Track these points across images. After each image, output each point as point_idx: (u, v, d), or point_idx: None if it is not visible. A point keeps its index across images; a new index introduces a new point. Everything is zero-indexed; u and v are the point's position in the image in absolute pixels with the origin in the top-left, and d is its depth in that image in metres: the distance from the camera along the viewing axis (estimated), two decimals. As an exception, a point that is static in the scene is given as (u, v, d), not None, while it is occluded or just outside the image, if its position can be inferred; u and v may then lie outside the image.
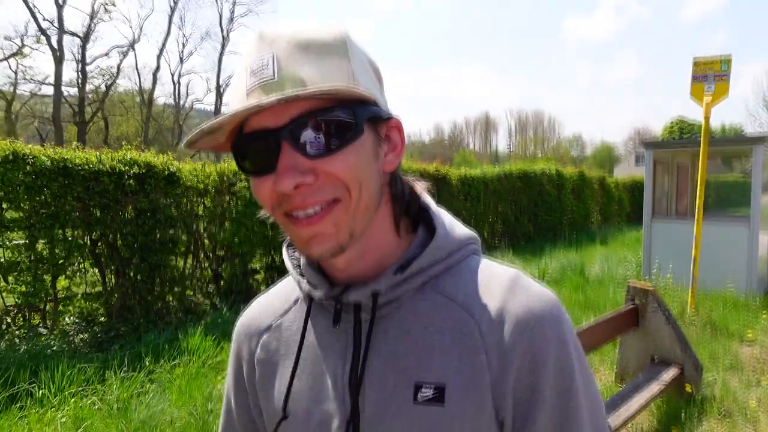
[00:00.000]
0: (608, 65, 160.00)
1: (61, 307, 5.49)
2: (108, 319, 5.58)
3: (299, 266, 0.74)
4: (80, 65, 33.42)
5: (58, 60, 30.63)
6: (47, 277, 5.12)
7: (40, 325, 5.26)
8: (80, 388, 3.87)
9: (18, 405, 3.61)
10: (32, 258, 4.97)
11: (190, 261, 6.76)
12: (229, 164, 7.02)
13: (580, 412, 0.63)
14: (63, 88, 31.69)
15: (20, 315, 5.24)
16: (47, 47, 30.86)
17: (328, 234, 0.60)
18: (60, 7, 30.55)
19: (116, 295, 5.67)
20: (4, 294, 5.02)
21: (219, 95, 40.62)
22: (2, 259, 4.86)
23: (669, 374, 3.84)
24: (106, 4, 32.71)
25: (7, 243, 4.93)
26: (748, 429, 3.69)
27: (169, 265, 6.08)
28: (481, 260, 0.71)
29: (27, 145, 5.12)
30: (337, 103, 0.58)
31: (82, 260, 5.57)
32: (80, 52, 33.39)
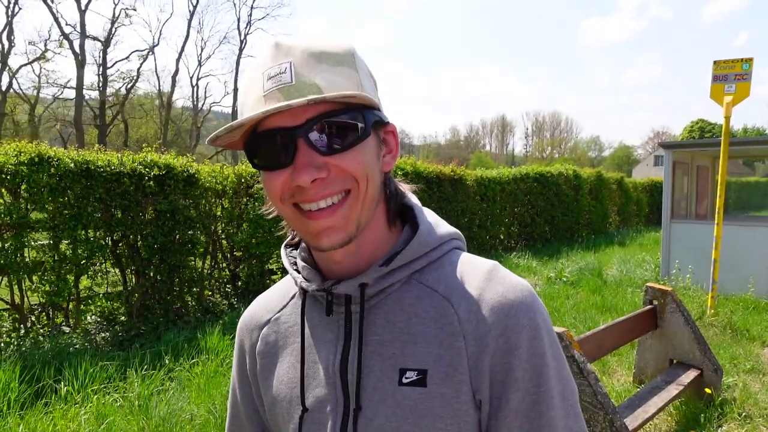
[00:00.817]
0: (628, 66, 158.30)
1: (83, 307, 5.60)
2: (128, 319, 5.68)
3: (296, 264, 0.80)
4: (101, 69, 34.03)
5: (80, 64, 31.20)
6: (70, 277, 5.23)
7: (63, 323, 5.38)
8: (102, 386, 3.95)
9: (43, 401, 3.70)
10: (56, 258, 5.08)
11: (208, 262, 6.85)
12: (246, 166, 7.09)
13: (551, 394, 0.68)
14: (84, 92, 32.28)
15: (44, 314, 5.35)
16: (69, 51, 31.50)
17: (338, 227, 0.66)
18: (82, 12, 31.12)
19: (136, 295, 5.76)
20: (28, 293, 5.14)
21: (236, 98, 40.95)
22: (27, 259, 4.98)
23: (688, 376, 3.81)
24: (127, 8, 33.26)
25: (32, 243, 5.04)
26: (769, 433, 3.64)
27: (188, 266, 6.17)
28: (462, 254, 0.77)
29: (51, 147, 5.24)
30: (347, 108, 0.64)
31: (103, 260, 5.68)
32: (101, 56, 34.01)
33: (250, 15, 44.97)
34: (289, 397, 0.77)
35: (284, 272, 7.85)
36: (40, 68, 33.35)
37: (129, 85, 35.90)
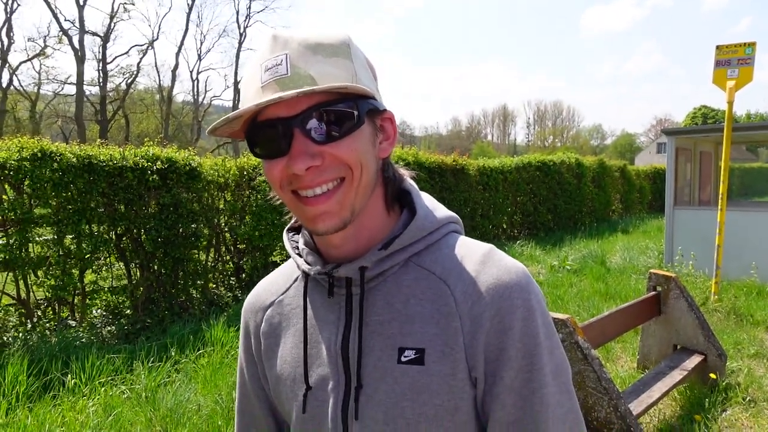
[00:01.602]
0: (629, 55, 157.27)
1: (88, 301, 5.64)
2: (134, 312, 5.71)
3: (297, 248, 0.83)
4: (101, 64, 33.97)
5: (80, 59, 31.14)
6: (75, 271, 5.25)
7: (69, 317, 5.41)
8: (109, 378, 3.98)
9: (51, 394, 3.74)
10: (60, 253, 5.10)
11: (212, 254, 6.87)
12: (248, 159, 7.10)
13: (544, 372, 0.70)
14: (85, 87, 32.24)
15: (50, 308, 5.39)
16: (69, 47, 31.45)
17: (333, 212, 0.69)
18: (81, 8, 31.02)
19: (141, 289, 5.79)
20: (34, 288, 5.17)
21: (237, 91, 40.87)
22: (32, 254, 5.00)
23: (692, 362, 3.82)
24: (126, 3, 33.13)
25: (37, 238, 5.07)
26: (773, 416, 3.65)
27: (192, 259, 6.19)
28: (460, 237, 0.79)
29: (54, 143, 5.25)
30: (341, 97, 0.66)
31: (108, 254, 5.70)
32: (101, 51, 33.94)
33: (249, 8, 44.87)
34: (292, 376, 0.80)
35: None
36: (40, 65, 33.41)
37: (129, 80, 35.88)
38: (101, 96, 34.00)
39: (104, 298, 5.86)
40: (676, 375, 3.59)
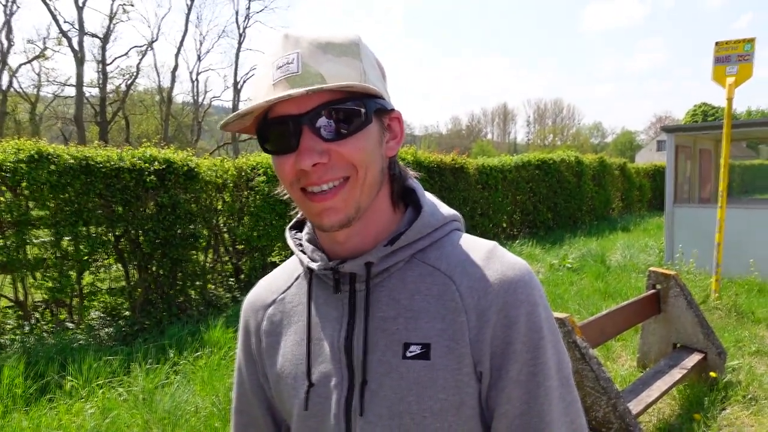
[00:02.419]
0: (630, 52, 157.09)
1: (86, 302, 5.62)
2: (132, 313, 5.69)
3: (301, 245, 0.83)
4: (101, 66, 33.94)
5: (79, 61, 31.13)
6: (73, 273, 5.24)
7: (67, 319, 5.39)
8: (107, 380, 3.97)
9: (48, 396, 3.72)
10: (58, 254, 5.09)
11: (210, 255, 6.86)
12: (246, 159, 7.08)
13: (548, 365, 0.72)
14: (84, 89, 32.21)
15: (48, 310, 5.38)
16: (68, 49, 31.40)
17: (338, 208, 0.70)
18: (80, 9, 31.01)
19: (139, 290, 5.78)
20: (32, 290, 5.15)
21: (237, 91, 40.87)
22: (30, 256, 4.99)
23: (691, 360, 3.80)
24: (125, 4, 33.11)
25: (34, 240, 5.05)
26: (774, 415, 3.63)
27: (191, 260, 6.17)
28: (463, 235, 0.81)
29: (51, 144, 5.23)
30: (349, 96, 0.68)
31: (106, 256, 5.69)
32: (100, 52, 33.91)
33: (249, 8, 44.82)
34: (294, 374, 0.80)
35: None
36: (40, 66, 33.36)
37: (129, 82, 35.81)
38: (101, 97, 33.98)
39: (102, 299, 5.84)
40: (676, 373, 3.57)
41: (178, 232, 5.93)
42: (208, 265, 6.74)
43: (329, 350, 0.77)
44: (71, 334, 4.96)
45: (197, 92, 41.13)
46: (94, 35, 33.41)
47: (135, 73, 35.75)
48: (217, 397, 3.67)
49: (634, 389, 3.34)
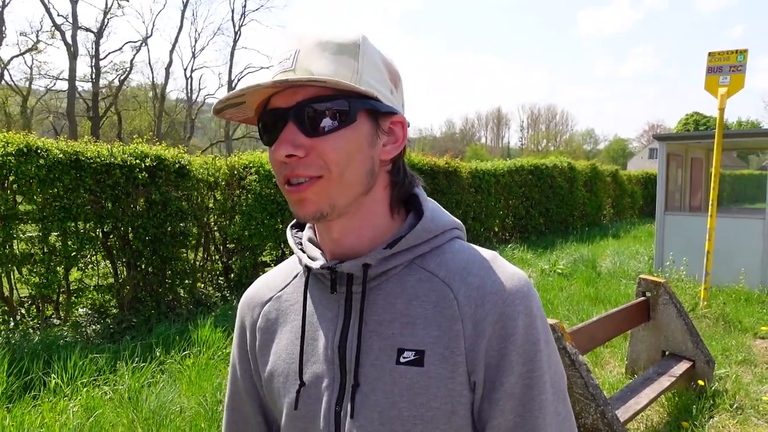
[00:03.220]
0: (623, 59, 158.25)
1: (73, 299, 5.56)
2: (120, 311, 5.64)
3: (301, 243, 0.84)
4: (94, 60, 33.73)
5: (72, 55, 30.91)
6: (60, 269, 5.17)
7: (53, 316, 5.33)
8: (92, 378, 3.92)
9: (31, 394, 3.67)
10: (45, 250, 5.03)
11: (200, 254, 6.81)
12: (239, 158, 7.04)
13: (543, 379, 0.72)
14: (77, 83, 31.99)
15: (34, 306, 5.31)
16: (61, 42, 31.19)
17: (311, 201, 0.70)
18: (74, 3, 30.79)
19: (128, 287, 5.72)
20: (18, 285, 5.09)
21: (231, 89, 40.63)
22: (16, 251, 4.92)
23: (680, 368, 3.81)
24: (119, -1, 32.90)
25: (21, 235, 4.99)
26: (760, 424, 3.65)
27: (180, 258, 6.12)
28: (463, 243, 0.81)
29: (40, 138, 5.17)
30: (338, 94, 0.68)
31: (94, 252, 5.63)
32: (94, 47, 33.69)
33: (245, 6, 44.72)
34: (286, 372, 0.80)
35: (277, 264, 8.11)
36: (32, 59, 33.06)
37: (122, 77, 35.60)
38: (93, 92, 33.73)
39: (90, 296, 5.78)
40: (664, 381, 3.58)
41: (169, 229, 5.88)
42: (197, 263, 6.69)
43: (323, 351, 0.77)
44: (57, 330, 4.90)
45: (191, 89, 41.00)
46: (87, 29, 33.20)
47: (128, 69, 35.56)
48: (204, 398, 3.63)
49: (622, 396, 3.35)
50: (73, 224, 5.21)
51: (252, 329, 0.87)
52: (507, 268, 0.75)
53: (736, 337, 5.35)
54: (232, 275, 6.90)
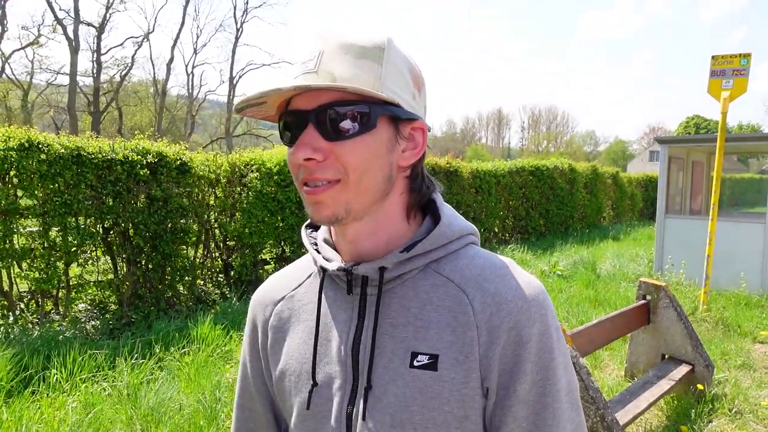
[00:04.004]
0: (626, 62, 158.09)
1: (73, 294, 5.55)
2: (119, 307, 5.63)
3: (316, 244, 0.84)
4: (95, 55, 33.69)
5: (74, 50, 30.87)
6: (60, 264, 5.17)
7: (53, 311, 5.32)
8: (91, 374, 3.91)
9: (30, 389, 3.67)
10: (45, 245, 5.02)
11: (200, 251, 6.80)
12: (240, 155, 7.03)
13: (557, 387, 0.72)
14: (78, 78, 31.95)
15: (33, 301, 5.30)
16: (63, 37, 31.15)
17: (326, 204, 0.70)
18: (76, -3, 30.72)
19: (128, 284, 5.71)
20: (18, 280, 5.08)
21: (232, 86, 40.68)
22: (17, 246, 4.92)
23: (679, 372, 3.80)
24: (122, -6, 32.82)
25: (21, 230, 4.98)
26: (759, 428, 3.65)
27: (180, 255, 6.11)
28: (479, 249, 0.81)
29: (41, 133, 5.16)
30: (360, 99, 0.68)
31: (94, 248, 5.62)
32: (95, 42, 33.65)
33: (247, 3, 44.48)
34: (298, 372, 0.80)
35: (277, 263, 7.82)
36: (34, 53, 33.00)
37: (123, 72, 35.55)
38: (95, 87, 33.69)
39: (89, 292, 5.77)
40: (664, 385, 3.57)
41: (169, 226, 5.87)
42: (198, 260, 6.69)
43: (336, 352, 0.77)
44: (57, 326, 4.89)
45: (192, 85, 40.92)
46: (89, 24, 33.15)
47: (130, 64, 35.52)
48: (203, 395, 3.63)
49: (621, 399, 3.34)
50: (73, 220, 5.21)
51: (264, 327, 0.87)
52: (522, 276, 0.75)
53: (735, 341, 5.34)
54: (232, 273, 6.89)
